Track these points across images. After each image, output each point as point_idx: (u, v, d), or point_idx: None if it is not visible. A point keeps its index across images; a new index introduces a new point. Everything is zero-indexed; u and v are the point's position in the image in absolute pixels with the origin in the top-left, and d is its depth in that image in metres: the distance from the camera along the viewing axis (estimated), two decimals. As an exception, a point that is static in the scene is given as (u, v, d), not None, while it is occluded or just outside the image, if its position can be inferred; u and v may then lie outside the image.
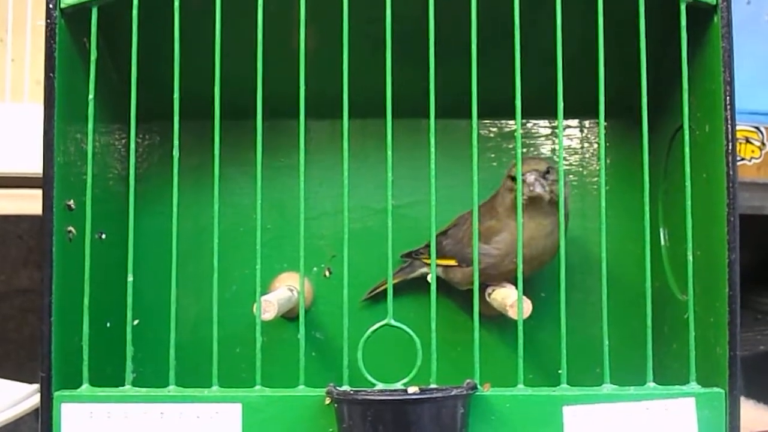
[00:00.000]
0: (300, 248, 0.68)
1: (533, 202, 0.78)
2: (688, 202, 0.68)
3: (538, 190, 0.77)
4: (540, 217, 0.79)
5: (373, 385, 0.65)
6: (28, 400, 0.97)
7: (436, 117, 0.67)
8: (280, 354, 0.89)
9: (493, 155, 0.91)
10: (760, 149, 1.21)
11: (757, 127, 1.21)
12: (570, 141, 0.92)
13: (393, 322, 0.67)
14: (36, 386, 0.99)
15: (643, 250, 0.69)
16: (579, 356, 0.80)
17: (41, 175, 0.69)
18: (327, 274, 0.91)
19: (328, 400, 0.65)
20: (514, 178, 0.76)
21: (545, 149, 0.92)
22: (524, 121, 0.69)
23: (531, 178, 0.77)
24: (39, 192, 0.74)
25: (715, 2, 0.69)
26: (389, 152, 0.67)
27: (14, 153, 1.10)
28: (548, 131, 0.92)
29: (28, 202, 1.11)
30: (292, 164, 0.90)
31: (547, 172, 0.78)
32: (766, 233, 1.24)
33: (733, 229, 0.68)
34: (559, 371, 0.67)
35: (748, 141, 1.21)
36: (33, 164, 1.09)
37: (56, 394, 0.67)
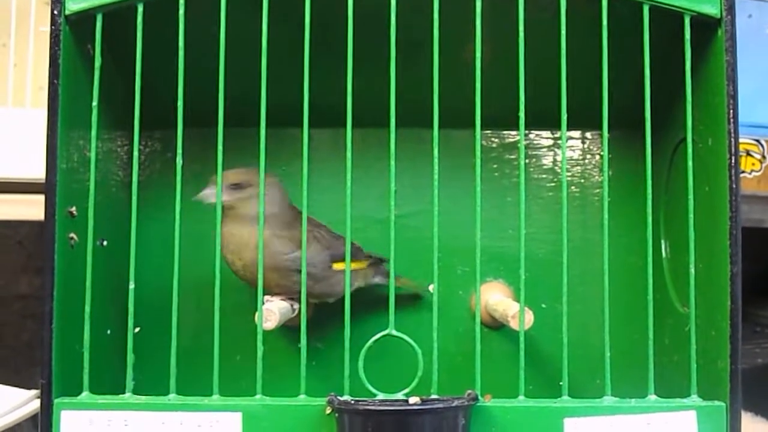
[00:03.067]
0: (302, 257, 0.68)
1: (223, 210, 0.79)
2: (691, 215, 0.68)
3: (211, 199, 0.78)
4: (239, 226, 0.80)
5: (374, 395, 0.65)
6: (25, 406, 0.97)
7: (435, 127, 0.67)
8: (280, 363, 0.89)
9: (495, 166, 0.91)
10: (761, 162, 1.22)
11: (757, 140, 1.22)
12: (572, 152, 0.92)
13: (394, 332, 0.67)
14: (34, 392, 0.99)
15: (644, 262, 0.69)
16: (580, 368, 0.80)
17: (42, 181, 0.69)
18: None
19: (329, 410, 0.65)
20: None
21: (547, 160, 0.92)
22: (526, 132, 0.69)
23: (208, 190, 0.78)
24: (39, 197, 0.73)
25: (719, 15, 0.69)
26: (392, 162, 0.67)
27: (15, 158, 1.10)
28: (550, 142, 0.92)
29: (29, 208, 1.11)
30: (293, 172, 0.90)
31: (235, 186, 0.79)
32: (765, 246, 1.24)
33: (735, 242, 0.68)
34: (560, 383, 0.67)
35: (748, 154, 1.21)
36: (34, 170, 1.09)
37: (56, 401, 0.66)
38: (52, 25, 0.69)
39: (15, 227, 1.47)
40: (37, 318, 1.46)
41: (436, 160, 0.67)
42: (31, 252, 1.49)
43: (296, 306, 0.81)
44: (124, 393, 0.67)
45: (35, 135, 1.09)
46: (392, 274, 0.68)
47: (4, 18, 1.15)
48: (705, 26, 0.70)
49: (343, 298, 0.67)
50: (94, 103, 0.69)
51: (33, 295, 1.48)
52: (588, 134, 0.92)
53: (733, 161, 0.68)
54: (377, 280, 0.89)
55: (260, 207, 0.69)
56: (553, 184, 0.92)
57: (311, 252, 0.80)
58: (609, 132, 0.69)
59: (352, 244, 0.86)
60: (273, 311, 0.74)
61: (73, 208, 0.71)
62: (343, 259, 0.82)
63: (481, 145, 0.69)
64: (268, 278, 0.78)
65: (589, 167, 0.92)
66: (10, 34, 1.15)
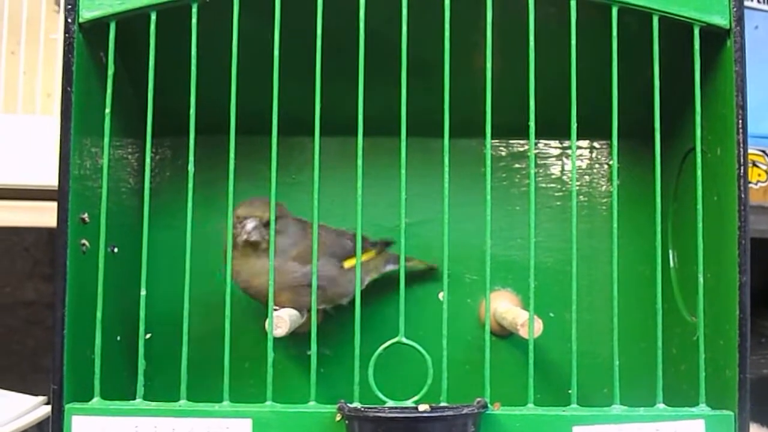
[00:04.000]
0: (313, 264, 0.69)
1: (250, 244, 0.78)
2: (700, 225, 0.68)
3: (255, 237, 0.77)
4: (254, 257, 0.79)
5: (384, 402, 0.66)
6: (31, 413, 0.97)
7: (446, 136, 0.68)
8: (287, 370, 0.89)
9: (504, 175, 0.92)
10: (767, 173, 1.22)
11: (763, 151, 1.22)
12: (580, 161, 0.93)
13: (404, 340, 0.67)
14: (40, 398, 1.00)
15: (652, 271, 0.69)
16: (587, 377, 0.80)
17: (50, 187, 0.70)
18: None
19: (338, 417, 0.65)
20: (238, 218, 0.77)
21: (555, 169, 0.93)
22: (535, 141, 0.69)
23: (250, 225, 0.77)
24: (47, 204, 0.73)
25: (728, 26, 0.69)
26: (403, 171, 0.68)
27: (24, 165, 1.11)
28: (558, 152, 0.93)
29: (36, 214, 1.11)
30: (303, 181, 0.91)
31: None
32: (771, 257, 1.24)
33: (744, 252, 0.68)
34: (569, 391, 0.67)
35: (754, 164, 1.22)
36: (41, 176, 1.09)
37: (67, 406, 0.67)
38: (65, 32, 0.69)
39: (22, 234, 1.48)
40: (43, 325, 1.47)
41: (446, 169, 0.68)
42: (37, 259, 1.49)
43: (305, 312, 0.82)
44: (134, 399, 0.68)
45: (44, 142, 1.10)
46: (402, 281, 0.68)
47: (14, 26, 1.16)
48: (714, 37, 0.70)
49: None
50: (107, 111, 0.69)
51: (39, 301, 1.48)
52: (596, 143, 0.93)
53: (741, 171, 0.68)
54: (389, 267, 0.89)
55: (271, 213, 0.69)
56: (561, 194, 0.92)
57: (321, 262, 0.80)
58: (618, 141, 0.69)
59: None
60: (283, 318, 0.74)
61: (85, 215, 0.72)
62: (350, 256, 0.83)
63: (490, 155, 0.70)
64: (282, 298, 0.79)
65: (597, 177, 0.92)
66: (19, 42, 1.15)
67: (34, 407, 0.98)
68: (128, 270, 0.80)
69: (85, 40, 0.70)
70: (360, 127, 0.67)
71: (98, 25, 0.70)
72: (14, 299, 1.48)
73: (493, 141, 0.89)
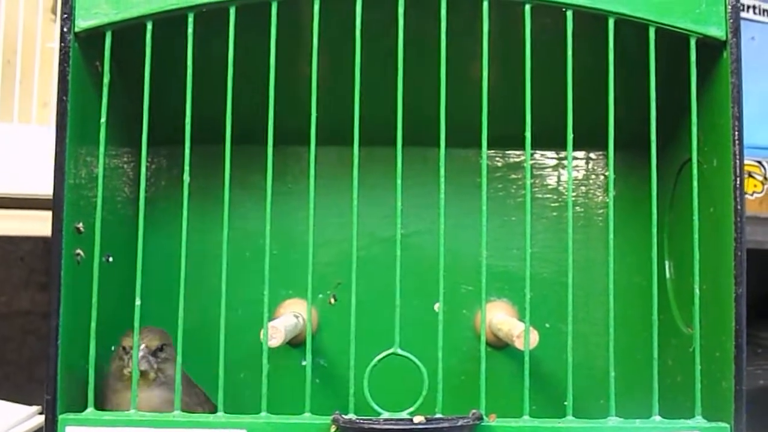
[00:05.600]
0: (308, 275, 0.68)
1: (141, 375, 0.72)
2: (696, 236, 0.68)
3: (143, 366, 0.73)
4: (148, 390, 0.74)
5: (379, 413, 0.65)
6: (26, 422, 0.97)
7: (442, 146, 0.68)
8: (282, 381, 0.89)
9: (500, 185, 0.92)
10: (762, 184, 1.22)
11: (759, 162, 1.22)
12: (576, 172, 0.93)
13: (399, 351, 0.67)
14: (35, 408, 0.99)
15: (648, 282, 0.69)
16: (583, 388, 0.80)
17: (45, 197, 0.69)
18: (332, 301, 0.90)
19: (333, 428, 0.65)
20: (124, 348, 0.74)
21: (551, 180, 0.93)
22: (531, 151, 0.69)
23: (139, 354, 0.72)
24: (43, 213, 0.73)
25: (724, 38, 0.69)
26: (399, 181, 0.68)
27: (20, 174, 1.11)
28: (554, 162, 0.93)
29: (32, 223, 1.11)
30: (299, 190, 0.91)
31: (160, 349, 0.75)
32: (767, 268, 1.24)
33: (740, 263, 0.68)
34: (564, 403, 0.67)
35: (750, 175, 1.22)
36: (38, 185, 1.09)
37: (61, 417, 0.66)
38: (61, 42, 0.69)
39: (18, 243, 1.47)
40: (38, 334, 1.47)
41: (442, 179, 0.68)
42: (33, 268, 1.49)
43: (300, 318, 0.81)
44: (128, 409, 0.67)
45: (40, 151, 1.10)
46: (398, 291, 0.68)
47: (10, 35, 1.16)
48: (711, 48, 0.70)
49: None
50: (103, 120, 0.69)
51: (35, 311, 1.48)
52: (592, 154, 0.93)
53: (738, 182, 0.68)
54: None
55: (267, 233, 0.69)
56: (557, 204, 0.92)
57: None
58: (614, 152, 0.69)
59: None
60: (278, 328, 0.74)
61: (80, 224, 0.71)
62: None
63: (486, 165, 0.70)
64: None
65: (593, 187, 0.92)
66: (15, 50, 1.15)
67: (28, 417, 0.98)
68: (123, 280, 0.79)
69: (81, 50, 0.70)
70: (356, 137, 0.67)
71: (94, 35, 0.70)
72: (10, 309, 1.48)
73: (489, 151, 0.89)
